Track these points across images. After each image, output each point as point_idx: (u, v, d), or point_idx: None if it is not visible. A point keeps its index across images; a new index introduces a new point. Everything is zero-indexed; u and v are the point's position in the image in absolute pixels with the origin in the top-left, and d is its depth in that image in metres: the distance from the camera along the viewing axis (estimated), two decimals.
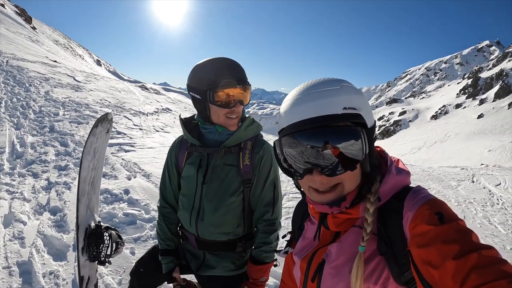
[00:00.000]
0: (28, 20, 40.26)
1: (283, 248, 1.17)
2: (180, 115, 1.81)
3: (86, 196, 1.76)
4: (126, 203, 4.31)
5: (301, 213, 1.16)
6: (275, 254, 1.65)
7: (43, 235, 3.66)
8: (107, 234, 1.73)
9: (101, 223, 1.80)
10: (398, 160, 0.96)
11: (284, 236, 1.21)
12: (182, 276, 1.78)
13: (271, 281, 3.09)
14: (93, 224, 1.77)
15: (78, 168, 5.76)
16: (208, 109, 1.59)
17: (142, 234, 3.72)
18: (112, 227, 1.78)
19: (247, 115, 1.71)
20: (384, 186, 0.87)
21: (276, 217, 1.68)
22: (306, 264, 0.98)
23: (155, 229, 2.17)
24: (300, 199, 1.16)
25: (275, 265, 1.72)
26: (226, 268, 1.70)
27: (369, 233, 0.83)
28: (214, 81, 1.52)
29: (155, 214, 3.99)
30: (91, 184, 1.83)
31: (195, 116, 1.73)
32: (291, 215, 4.65)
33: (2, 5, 36.60)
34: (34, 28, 38.74)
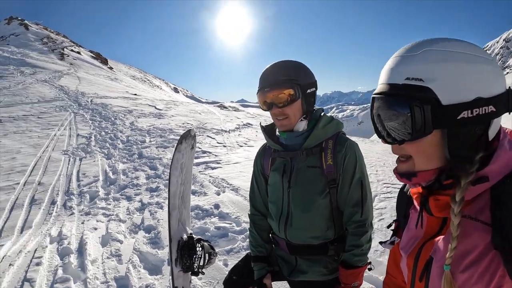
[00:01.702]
0: (104, 61, 47.76)
1: (388, 239, 1.24)
2: (260, 123, 2.09)
3: (177, 210, 2.02)
4: (217, 217, 5.09)
5: (405, 198, 1.19)
6: (367, 257, 1.86)
7: (139, 251, 4.43)
8: (199, 245, 1.98)
9: (193, 235, 2.06)
10: None
11: (389, 226, 1.28)
12: (273, 283, 2.04)
13: (365, 285, 3.27)
14: (185, 236, 2.03)
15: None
16: None
17: (234, 246, 4.29)
18: (204, 239, 2.10)
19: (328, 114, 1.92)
20: (493, 164, 0.84)
21: (366, 218, 1.83)
22: (413, 260, 1.02)
23: (247, 239, 2.47)
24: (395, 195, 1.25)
25: (369, 269, 1.89)
26: (319, 273, 1.90)
27: (456, 231, 0.83)
28: (259, 84, 1.85)
29: (246, 226, 4.64)
30: (181, 198, 2.10)
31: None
32: (384, 216, 4.87)
33: (79, 53, 44.48)
34: (111, 68, 45.69)
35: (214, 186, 6.38)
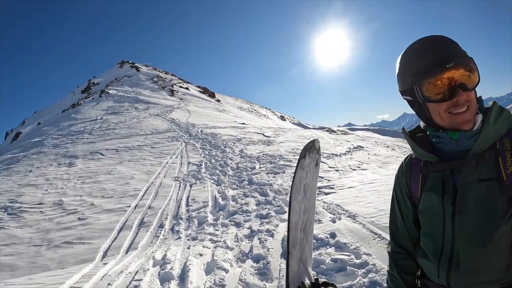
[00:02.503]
0: (212, 95, 51.77)
1: None
2: (403, 127, 1.69)
3: (298, 246, 1.82)
4: (333, 247, 4.83)
5: None
6: None
7: (244, 283, 4.27)
8: None
9: (319, 279, 1.84)
10: None
11: None
12: None
13: None
14: (307, 282, 1.81)
15: (287, 213, 6.35)
16: (426, 109, 1.48)
17: (354, 282, 3.94)
18: (331, 283, 1.82)
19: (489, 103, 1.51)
20: None
21: None
22: None
23: (368, 274, 1.95)
24: None
25: None
26: None
27: None
28: (415, 72, 1.42)
29: (367, 259, 4.34)
30: (303, 230, 1.90)
31: (421, 126, 1.63)
32: None
33: (187, 88, 49.99)
34: (218, 100, 49.14)
35: (329, 212, 6.12)
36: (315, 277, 1.80)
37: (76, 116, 32.41)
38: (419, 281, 1.69)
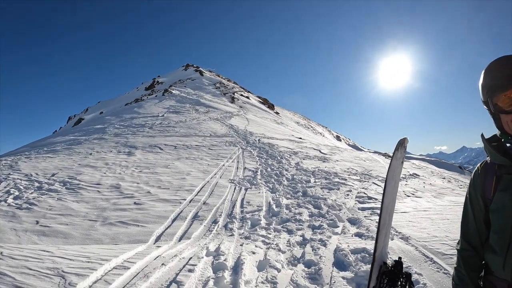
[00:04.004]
0: (271, 107, 52.25)
1: None
2: (482, 134, 1.88)
3: (385, 228, 1.96)
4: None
5: None
6: None
7: (296, 284, 4.38)
8: (403, 276, 1.89)
9: (401, 258, 1.97)
10: None
11: None
12: None
13: None
14: (389, 262, 1.96)
15: (339, 228, 6.66)
16: (499, 119, 1.70)
17: None
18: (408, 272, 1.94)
19: None
20: None
21: None
22: None
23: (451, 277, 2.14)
24: None
25: None
26: None
27: None
28: (490, 86, 1.67)
29: (418, 278, 4.40)
30: (389, 216, 2.07)
31: (498, 135, 1.81)
32: None
33: (247, 97, 51.15)
34: (277, 113, 49.56)
35: None
36: (399, 258, 1.91)
37: (138, 110, 33.93)
38: (481, 282, 1.85)
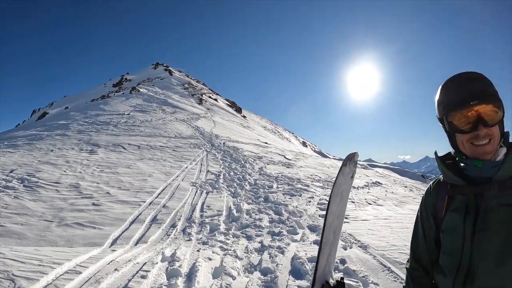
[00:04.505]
0: (239, 110, 52.54)
1: None
2: (435, 151, 1.85)
3: (328, 247, 1.90)
4: (342, 273, 4.94)
5: None
6: None
7: None
8: None
9: (344, 280, 1.95)
10: None
11: None
12: None
13: None
14: (331, 281, 1.93)
15: (299, 234, 6.68)
16: (454, 138, 1.68)
17: None
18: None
19: None
20: None
21: None
22: None
23: None
24: None
25: None
26: None
27: None
28: (445, 104, 1.64)
29: (374, 287, 4.45)
30: (334, 233, 2.01)
31: (452, 153, 1.79)
32: None
33: (216, 100, 51.26)
34: (244, 116, 49.91)
35: (341, 240, 6.13)
36: (341, 276, 1.89)
37: (104, 107, 33.16)
38: None
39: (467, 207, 1.60)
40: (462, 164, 1.68)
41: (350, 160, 2.01)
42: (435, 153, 1.83)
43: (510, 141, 1.64)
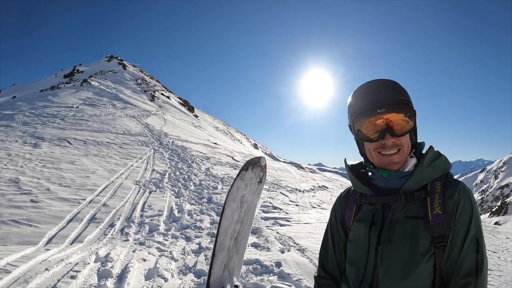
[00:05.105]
0: (191, 109, 52.14)
1: None
2: (345, 159, 1.81)
3: (225, 252, 1.80)
4: (277, 276, 4.92)
5: None
6: None
7: None
8: None
9: (238, 286, 1.86)
10: None
11: None
12: None
13: None
14: (228, 287, 1.83)
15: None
16: (362, 146, 1.62)
17: None
18: None
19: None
20: None
21: None
22: None
23: None
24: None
25: None
26: None
27: None
28: (353, 110, 1.57)
29: None
30: (234, 240, 1.90)
31: (363, 161, 1.72)
32: None
33: (168, 97, 51.05)
34: (196, 116, 49.35)
35: (280, 243, 6.21)
36: (235, 284, 1.83)
37: (53, 98, 31.62)
38: None
39: (373, 218, 1.54)
40: (370, 174, 1.64)
41: (254, 165, 1.92)
42: (345, 160, 1.80)
43: (424, 151, 1.59)
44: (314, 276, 1.79)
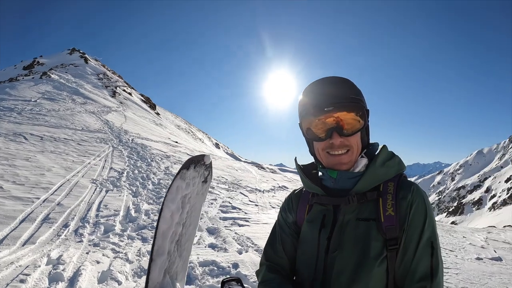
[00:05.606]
0: (153, 106, 51.22)
1: None
2: (295, 158, 1.70)
3: (165, 257, 1.68)
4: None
5: None
6: None
7: None
8: None
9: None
10: None
11: None
12: None
13: None
14: None
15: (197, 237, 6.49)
16: (312, 145, 1.56)
17: None
18: None
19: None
20: None
21: None
22: None
23: None
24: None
25: None
26: None
27: None
28: (302, 108, 1.50)
29: None
30: (176, 243, 1.78)
31: (314, 161, 1.67)
32: None
33: (130, 94, 50.20)
34: (158, 114, 48.62)
35: (238, 243, 6.24)
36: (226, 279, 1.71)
37: (10, 91, 30.01)
38: None
39: (324, 220, 1.47)
40: (320, 174, 1.56)
41: (197, 163, 1.81)
42: (295, 159, 1.67)
43: (376, 152, 1.53)
44: (256, 272, 1.68)
